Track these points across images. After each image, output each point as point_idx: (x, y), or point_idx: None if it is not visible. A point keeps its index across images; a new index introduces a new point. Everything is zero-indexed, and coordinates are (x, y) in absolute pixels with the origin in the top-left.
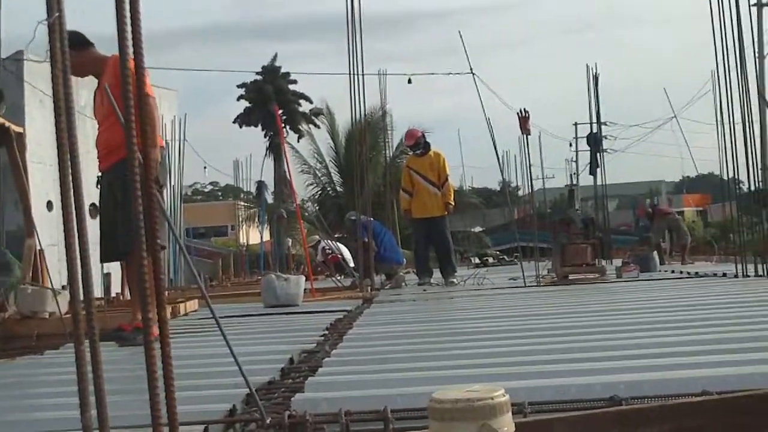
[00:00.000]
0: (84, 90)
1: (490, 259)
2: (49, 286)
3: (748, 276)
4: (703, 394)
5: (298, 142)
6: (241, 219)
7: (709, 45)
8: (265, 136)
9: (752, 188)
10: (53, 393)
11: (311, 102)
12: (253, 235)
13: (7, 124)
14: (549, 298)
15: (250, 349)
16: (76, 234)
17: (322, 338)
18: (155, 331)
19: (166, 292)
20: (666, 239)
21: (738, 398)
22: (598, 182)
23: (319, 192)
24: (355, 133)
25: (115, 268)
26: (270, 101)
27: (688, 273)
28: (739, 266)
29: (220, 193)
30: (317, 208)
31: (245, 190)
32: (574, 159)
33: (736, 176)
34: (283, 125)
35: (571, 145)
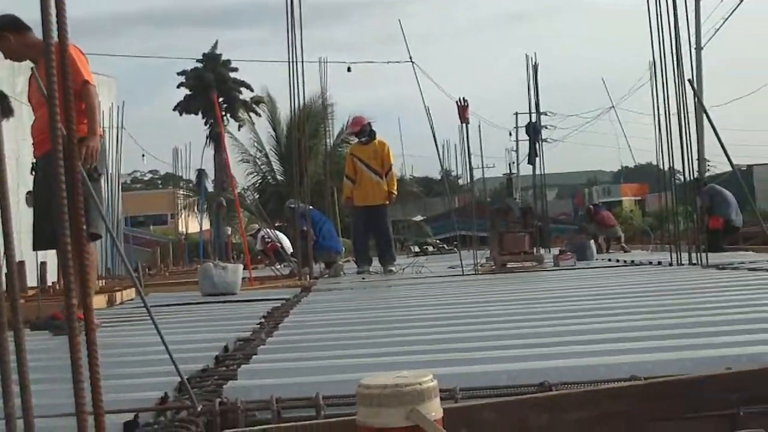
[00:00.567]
0: (21, 77)
1: (430, 248)
2: None
3: (683, 264)
4: (630, 379)
5: (239, 130)
6: (180, 207)
7: (648, 36)
8: (205, 124)
9: (688, 178)
10: None
11: (252, 90)
12: (193, 224)
13: None
14: (485, 286)
15: (186, 337)
16: None
17: (259, 326)
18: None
19: (104, 281)
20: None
21: (662, 383)
22: (537, 172)
23: (260, 181)
24: (295, 121)
25: (51, 256)
26: (210, 89)
27: (624, 261)
28: (674, 255)
29: (160, 182)
30: (257, 196)
31: (185, 178)
32: (515, 149)
33: (672, 166)
34: (223, 113)
35: (510, 134)
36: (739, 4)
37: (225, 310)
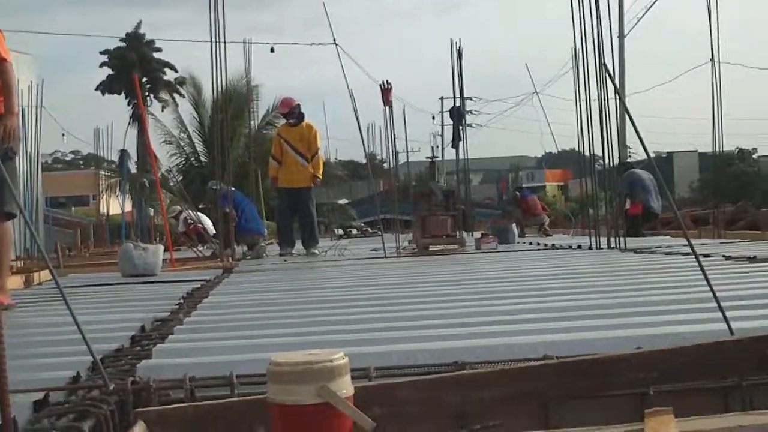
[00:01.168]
0: None
1: (354, 231)
2: None
3: (602, 248)
4: (543, 359)
5: (163, 111)
6: (102, 188)
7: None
8: (128, 105)
9: (609, 165)
10: None
11: (176, 71)
12: (115, 205)
13: None
14: (406, 268)
15: (102, 317)
16: None
17: (177, 307)
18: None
19: (22, 261)
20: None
21: (575, 363)
22: (461, 156)
23: (183, 162)
24: (217, 103)
25: None
26: (133, 69)
27: (545, 245)
28: (593, 239)
29: (81, 162)
30: (180, 178)
31: (107, 159)
32: (440, 133)
33: (592, 152)
34: (146, 94)
35: (434, 118)
36: None
37: (144, 291)
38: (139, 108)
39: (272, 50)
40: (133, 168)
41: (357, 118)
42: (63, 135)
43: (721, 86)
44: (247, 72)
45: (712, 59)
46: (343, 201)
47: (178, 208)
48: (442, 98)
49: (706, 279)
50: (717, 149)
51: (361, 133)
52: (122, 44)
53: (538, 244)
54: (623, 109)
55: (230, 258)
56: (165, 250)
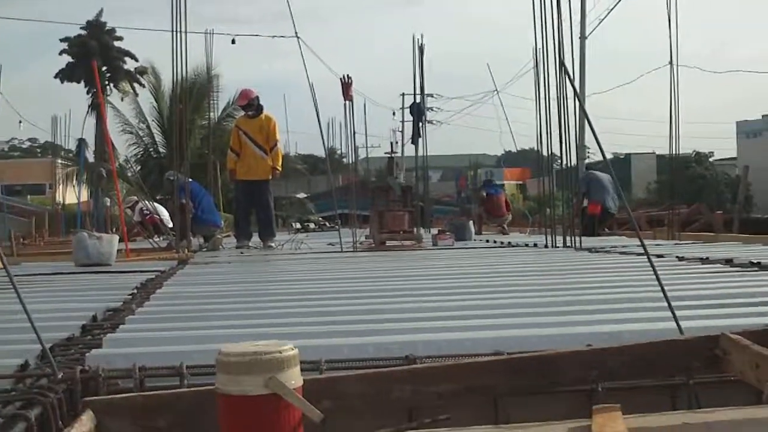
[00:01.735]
0: None
1: (312, 225)
2: None
3: (557, 247)
4: (494, 354)
5: (122, 100)
6: (59, 177)
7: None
8: (87, 93)
9: (567, 164)
10: None
11: (137, 60)
12: (72, 195)
13: None
14: (362, 263)
15: (54, 306)
16: None
17: (130, 297)
18: None
19: None
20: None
21: (524, 359)
22: (420, 153)
23: (142, 152)
24: (177, 93)
25: None
26: (94, 57)
27: (501, 243)
28: (550, 238)
29: (39, 150)
30: (139, 168)
31: (65, 147)
32: (400, 129)
33: (550, 152)
34: (106, 83)
35: (394, 114)
36: None
37: (97, 281)
38: (98, 97)
39: (233, 42)
40: (90, 157)
41: (317, 112)
42: (20, 122)
43: (679, 89)
44: (209, 63)
45: (671, 62)
46: (301, 195)
47: (135, 198)
48: (403, 94)
49: (658, 279)
50: (674, 152)
51: (320, 127)
52: (83, 32)
53: (495, 241)
54: (581, 109)
55: (186, 249)
56: (120, 241)
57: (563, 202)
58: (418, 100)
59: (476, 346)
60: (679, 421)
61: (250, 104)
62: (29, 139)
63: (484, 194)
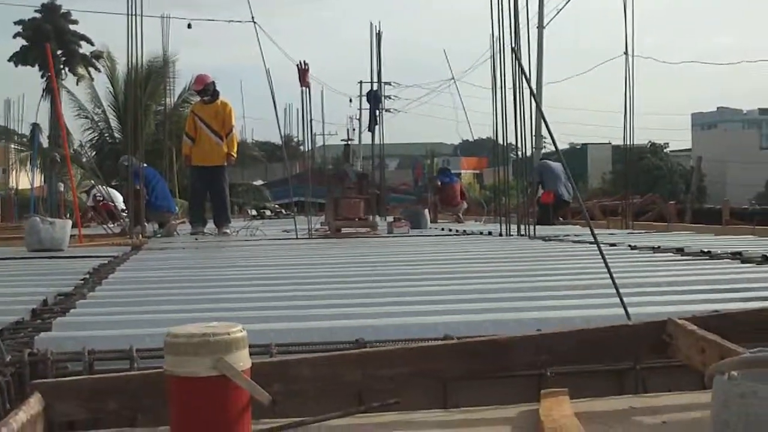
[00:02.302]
0: None
1: (268, 212)
2: None
3: (512, 235)
4: (444, 339)
5: (77, 85)
6: (12, 162)
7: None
8: (42, 77)
9: (523, 154)
10: None
11: (92, 44)
12: (25, 180)
13: None
14: (316, 249)
15: (4, 290)
16: None
17: (82, 282)
18: None
19: None
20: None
21: (474, 343)
22: (377, 141)
23: (97, 138)
24: (132, 78)
25: None
26: (48, 41)
27: (456, 231)
28: (504, 226)
29: None
30: (93, 154)
31: (19, 132)
32: (358, 117)
33: (506, 141)
34: (61, 67)
35: (351, 101)
36: None
37: (49, 266)
38: (52, 81)
39: (189, 26)
40: (44, 142)
41: (273, 99)
42: None
43: (634, 80)
44: (165, 47)
45: (626, 52)
46: (258, 182)
47: (91, 183)
48: (360, 82)
49: (606, 266)
50: (628, 142)
51: (276, 113)
52: (37, 15)
53: (450, 230)
54: (533, 97)
55: (140, 235)
56: (73, 226)
57: (518, 191)
58: (375, 88)
59: (426, 331)
60: (625, 405)
61: (206, 89)
62: None
63: (439, 183)
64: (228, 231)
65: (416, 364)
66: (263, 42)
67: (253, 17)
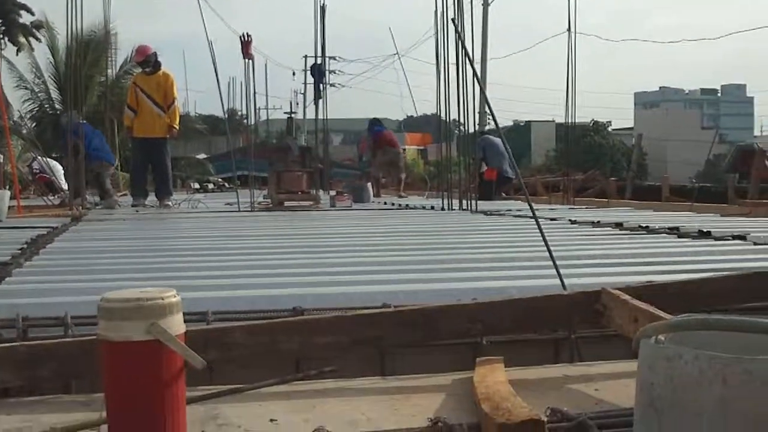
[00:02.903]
0: None
1: (211, 186)
2: None
3: (454, 210)
4: (382, 307)
5: (17, 55)
6: None
7: None
8: None
9: (467, 131)
10: None
11: (33, 14)
12: None
13: None
14: (258, 222)
15: None
16: None
17: (20, 251)
18: None
19: None
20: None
21: (411, 311)
22: (320, 115)
23: (37, 109)
24: (73, 47)
25: None
26: None
27: (399, 205)
28: (446, 201)
29: None
30: (34, 125)
31: None
32: (303, 91)
33: (448, 117)
34: (1, 36)
35: (294, 74)
36: None
37: None
38: None
39: None
40: None
41: (216, 71)
42: None
43: (576, 57)
44: (106, 17)
45: (569, 29)
46: (201, 156)
47: (32, 155)
48: (305, 56)
49: (543, 238)
50: (570, 120)
51: (219, 86)
52: None
53: (392, 204)
54: (473, 73)
55: (80, 207)
56: (12, 198)
57: (461, 167)
58: (319, 62)
59: (364, 299)
60: (559, 374)
61: (147, 61)
62: None
63: (374, 129)
64: (170, 203)
65: (353, 332)
66: (207, 14)
67: None
